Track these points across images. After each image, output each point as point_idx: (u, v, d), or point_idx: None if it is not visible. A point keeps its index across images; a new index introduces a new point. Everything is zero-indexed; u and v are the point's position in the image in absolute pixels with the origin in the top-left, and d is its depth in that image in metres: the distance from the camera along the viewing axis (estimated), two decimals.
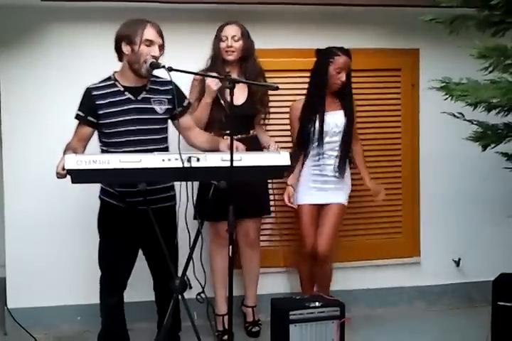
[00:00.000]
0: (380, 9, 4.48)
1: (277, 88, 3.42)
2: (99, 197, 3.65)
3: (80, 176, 3.20)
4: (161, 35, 3.49)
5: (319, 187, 4.19)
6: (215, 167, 3.28)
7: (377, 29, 4.58)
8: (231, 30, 4.10)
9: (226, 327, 4.18)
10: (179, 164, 3.23)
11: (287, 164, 3.40)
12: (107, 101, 3.49)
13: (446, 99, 3.72)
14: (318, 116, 4.13)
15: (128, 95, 3.52)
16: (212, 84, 3.96)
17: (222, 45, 4.10)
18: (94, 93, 3.51)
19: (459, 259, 4.84)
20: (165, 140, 3.60)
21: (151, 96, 3.54)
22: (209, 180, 3.47)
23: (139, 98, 3.53)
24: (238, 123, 3.86)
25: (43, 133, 4.30)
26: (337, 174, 4.16)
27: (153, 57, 3.43)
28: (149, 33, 3.46)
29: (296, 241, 4.46)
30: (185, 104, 3.68)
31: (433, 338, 4.26)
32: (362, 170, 4.31)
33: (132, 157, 3.24)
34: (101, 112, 3.49)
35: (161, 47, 3.48)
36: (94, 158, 3.19)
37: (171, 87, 3.51)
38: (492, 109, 3.79)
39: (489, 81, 3.61)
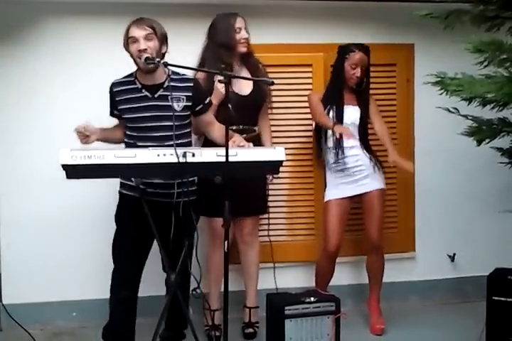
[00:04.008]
0: (375, 4, 4.47)
1: (273, 83, 3.43)
2: (119, 192, 3.66)
3: (74, 171, 3.19)
4: (146, 28, 3.47)
5: (346, 181, 4.22)
6: (211, 162, 3.27)
7: (372, 24, 4.58)
8: (242, 23, 4.08)
9: (215, 322, 4.19)
10: (174, 159, 3.22)
11: (282, 159, 3.40)
12: (125, 97, 3.54)
13: (441, 93, 3.72)
14: (335, 109, 4.19)
15: (145, 93, 3.54)
16: (221, 86, 3.88)
17: (238, 36, 4.05)
18: (115, 89, 3.58)
19: (454, 254, 4.85)
20: (186, 135, 3.60)
21: (168, 93, 3.52)
22: (204, 176, 3.47)
23: (156, 96, 3.55)
24: (246, 115, 3.80)
25: (36, 128, 4.29)
26: (359, 163, 4.20)
27: (140, 51, 3.44)
28: (132, 30, 3.49)
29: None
30: (206, 101, 3.69)
31: (428, 333, 4.26)
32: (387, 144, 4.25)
33: (127, 152, 3.24)
34: (120, 107, 3.56)
35: (148, 38, 3.46)
36: (89, 153, 3.18)
37: (190, 84, 3.57)
38: (487, 104, 3.78)
39: (484, 76, 3.61)
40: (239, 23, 4.07)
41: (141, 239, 3.60)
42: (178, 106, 3.54)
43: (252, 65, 4.14)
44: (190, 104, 3.58)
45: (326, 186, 4.30)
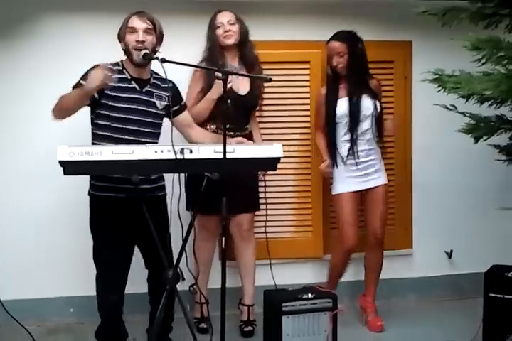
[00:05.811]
0: (373, 1, 4.48)
1: (270, 80, 3.43)
2: (90, 193, 3.60)
3: (72, 168, 3.19)
4: (147, 21, 3.48)
5: (357, 175, 4.20)
6: (208, 159, 3.28)
7: (370, 21, 4.57)
8: (225, 16, 4.09)
9: (204, 314, 4.22)
10: (172, 156, 3.23)
11: (280, 156, 3.41)
12: (114, 84, 3.47)
13: (439, 91, 3.72)
14: (334, 101, 4.17)
15: (134, 84, 3.54)
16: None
17: (219, 31, 4.07)
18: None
19: (451, 251, 4.86)
20: (158, 135, 3.61)
21: (153, 90, 3.56)
22: (202, 172, 3.47)
23: (144, 90, 3.55)
24: (240, 114, 3.80)
25: (32, 125, 4.28)
26: (371, 157, 4.20)
27: (138, 41, 3.45)
28: (133, 21, 3.50)
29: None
30: (182, 103, 3.72)
31: (425, 330, 4.27)
32: None
33: (125, 148, 3.24)
34: (108, 93, 3.47)
35: (148, 32, 3.47)
36: (87, 149, 3.18)
37: (170, 84, 3.56)
38: (484, 101, 3.79)
39: (482, 73, 3.61)
40: (221, 18, 4.08)
41: (123, 241, 3.55)
42: (160, 104, 3.57)
43: (248, 61, 4.13)
44: (169, 104, 3.57)
45: (334, 179, 4.26)
